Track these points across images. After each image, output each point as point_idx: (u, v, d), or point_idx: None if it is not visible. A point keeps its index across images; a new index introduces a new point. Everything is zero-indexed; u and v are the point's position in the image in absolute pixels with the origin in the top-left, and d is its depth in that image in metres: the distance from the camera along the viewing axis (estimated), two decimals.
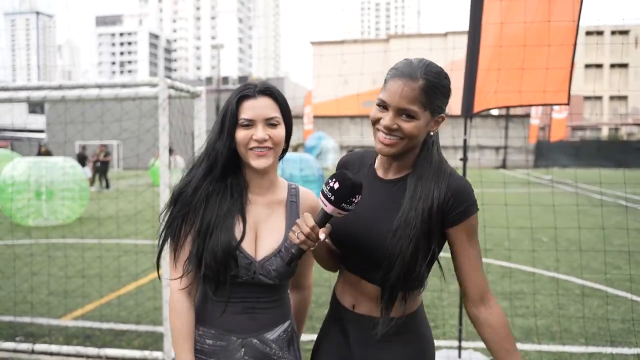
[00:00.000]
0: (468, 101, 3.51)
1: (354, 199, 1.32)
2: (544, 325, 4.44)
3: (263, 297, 1.53)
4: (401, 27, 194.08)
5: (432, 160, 1.47)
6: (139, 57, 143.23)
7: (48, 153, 17.95)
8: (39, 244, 7.75)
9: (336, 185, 1.32)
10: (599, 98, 54.71)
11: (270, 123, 1.50)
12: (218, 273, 1.46)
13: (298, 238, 1.35)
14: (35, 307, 4.80)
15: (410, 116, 1.40)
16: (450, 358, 3.70)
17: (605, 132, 51.36)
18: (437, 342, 3.86)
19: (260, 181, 1.58)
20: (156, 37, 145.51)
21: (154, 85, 3.87)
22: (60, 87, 4.08)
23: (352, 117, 36.59)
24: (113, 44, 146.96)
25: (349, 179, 1.32)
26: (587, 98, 52.29)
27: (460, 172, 2.74)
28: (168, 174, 3.86)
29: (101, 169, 18.75)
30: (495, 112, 37.10)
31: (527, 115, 34.17)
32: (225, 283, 1.48)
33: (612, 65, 54.51)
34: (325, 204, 1.34)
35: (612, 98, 55.18)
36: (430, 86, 1.39)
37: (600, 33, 53.79)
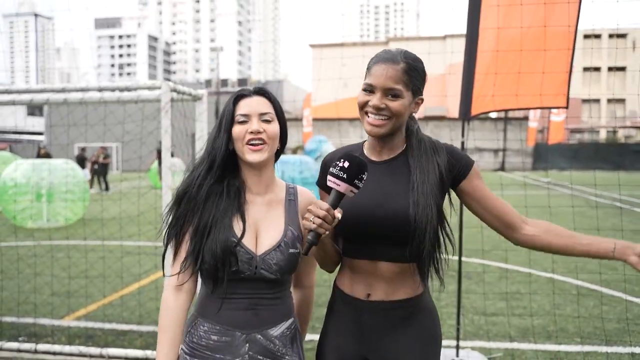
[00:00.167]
0: (466, 104, 3.57)
1: (363, 176, 1.40)
2: (541, 325, 4.50)
3: (266, 294, 1.58)
4: (400, 30, 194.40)
5: (423, 139, 1.64)
6: (138, 60, 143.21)
7: (47, 155, 17.99)
8: (42, 245, 7.80)
9: (346, 164, 1.39)
10: (597, 101, 54.84)
11: (264, 119, 1.59)
12: (217, 270, 1.51)
13: (314, 223, 1.38)
14: (38, 308, 4.85)
15: (396, 95, 1.54)
16: (448, 357, 3.75)
17: (603, 135, 51.50)
18: None
19: (258, 179, 1.63)
20: (155, 39, 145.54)
21: (153, 88, 3.94)
22: (63, 90, 4.13)
23: (351, 120, 36.63)
24: (112, 47, 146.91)
25: (357, 156, 1.42)
26: (585, 101, 52.44)
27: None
28: (170, 175, 3.92)
29: (101, 171, 18.81)
30: (493, 115, 37.16)
31: (526, 118, 34.27)
32: (224, 280, 1.53)
33: (610, 69, 54.65)
34: (337, 184, 1.40)
35: (609, 101, 55.32)
36: (410, 68, 1.56)
37: (598, 36, 53.96)
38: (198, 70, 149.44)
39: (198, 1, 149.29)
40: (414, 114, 1.64)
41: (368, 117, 1.58)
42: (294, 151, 20.83)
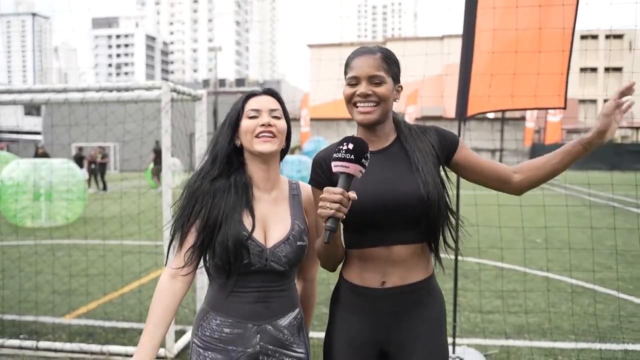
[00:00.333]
0: (462, 105, 3.62)
1: (367, 155, 1.46)
2: (536, 323, 4.56)
3: (275, 286, 1.65)
4: (398, 30, 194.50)
5: (411, 125, 1.77)
6: (135, 60, 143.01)
7: (45, 155, 18.00)
8: (42, 244, 7.83)
9: (351, 146, 1.45)
10: (594, 101, 55.01)
11: (274, 115, 1.67)
12: (229, 263, 1.57)
13: (331, 208, 1.40)
14: (39, 306, 4.89)
15: (379, 82, 1.65)
16: None
17: None
18: None
19: (265, 175, 1.69)
20: (153, 39, 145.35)
21: (154, 89, 3.98)
22: (65, 90, 4.18)
23: (348, 120, 36.72)
24: (110, 46, 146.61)
25: (358, 137, 1.49)
26: (581, 101, 52.59)
27: (453, 175, 2.87)
28: (170, 174, 3.97)
29: (99, 171, 18.84)
30: (491, 115, 37.25)
31: (522, 119, 34.37)
32: (236, 273, 1.59)
33: (607, 69, 54.86)
34: (346, 167, 1.43)
35: (606, 101, 55.46)
36: (387, 56, 1.69)
37: (594, 37, 54.15)
38: (196, 70, 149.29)
39: (196, 1, 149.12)
40: (396, 100, 1.73)
41: (357, 107, 1.67)
42: (292, 151, 20.85)
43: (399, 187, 1.63)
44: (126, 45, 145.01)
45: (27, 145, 34.63)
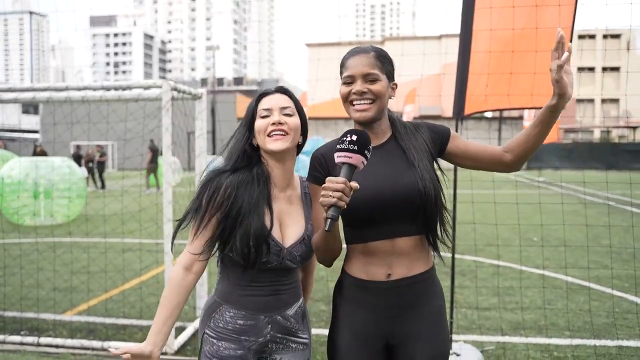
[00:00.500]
0: (459, 104, 3.67)
1: (370, 147, 1.49)
2: (532, 320, 4.61)
3: (285, 280, 1.74)
4: (396, 30, 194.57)
5: (405, 123, 1.83)
6: (133, 58, 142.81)
7: (43, 153, 18.01)
8: (44, 241, 7.86)
9: (354, 137, 1.48)
10: (591, 101, 55.14)
11: (285, 113, 1.72)
12: (249, 258, 1.62)
13: (333, 197, 1.43)
14: (40, 303, 4.93)
15: (374, 79, 1.70)
16: None
17: (597, 135, 51.78)
18: None
19: (281, 173, 1.74)
20: (151, 37, 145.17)
21: (154, 87, 4.02)
22: (67, 89, 4.22)
23: (346, 119, 36.74)
24: (107, 45, 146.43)
25: (361, 130, 1.53)
26: (579, 101, 52.71)
27: (451, 174, 2.94)
28: (171, 173, 4.01)
29: (97, 169, 18.86)
30: (488, 114, 37.29)
31: (520, 118, 34.42)
32: (254, 268, 1.65)
33: (604, 69, 54.98)
34: (349, 157, 1.47)
35: (604, 101, 55.63)
36: (380, 55, 1.75)
37: (592, 37, 54.24)
38: (194, 69, 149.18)
39: (194, 0, 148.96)
40: (391, 98, 1.78)
41: (353, 105, 1.72)
42: None
43: (398, 180, 1.68)
44: (124, 44, 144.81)
45: (25, 143, 34.58)
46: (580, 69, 53.36)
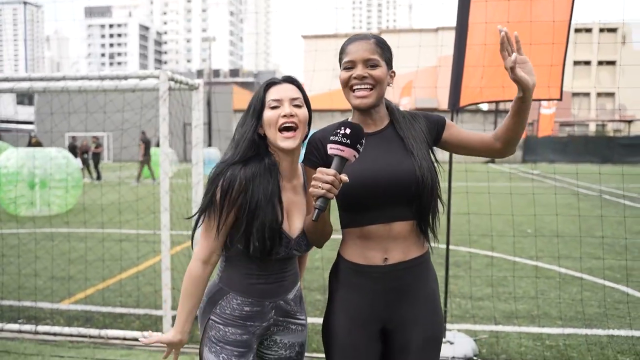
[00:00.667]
0: (455, 96, 3.70)
1: (362, 141, 1.52)
2: (525, 309, 4.68)
3: (288, 267, 1.80)
4: (393, 22, 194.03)
5: (402, 112, 1.87)
6: (129, 50, 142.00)
7: (39, 144, 17.96)
8: (42, 231, 7.88)
9: (348, 130, 1.50)
10: (587, 94, 55.27)
11: (295, 104, 1.71)
12: (264, 249, 1.65)
13: (322, 188, 1.46)
14: (37, 291, 4.96)
15: (374, 65, 1.73)
16: None
17: (592, 128, 51.95)
18: None
19: (289, 165, 1.76)
20: (146, 29, 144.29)
21: (151, 78, 4.03)
22: (64, 78, 4.22)
23: (343, 111, 36.71)
24: (102, 36, 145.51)
25: (355, 123, 1.54)
26: (575, 94, 52.84)
27: (446, 166, 2.98)
28: (168, 163, 4.03)
29: (93, 160, 18.83)
30: (484, 107, 37.41)
31: None
32: (270, 258, 1.69)
33: (600, 62, 55.09)
34: (341, 150, 1.49)
35: (599, 95, 55.80)
36: (380, 42, 1.78)
37: (588, 30, 54.30)
38: (189, 60, 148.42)
39: None
40: (390, 85, 1.81)
41: (354, 91, 1.74)
42: None
43: (396, 166, 1.71)
44: (119, 35, 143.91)
45: (21, 134, 34.41)
46: (577, 63, 53.44)
